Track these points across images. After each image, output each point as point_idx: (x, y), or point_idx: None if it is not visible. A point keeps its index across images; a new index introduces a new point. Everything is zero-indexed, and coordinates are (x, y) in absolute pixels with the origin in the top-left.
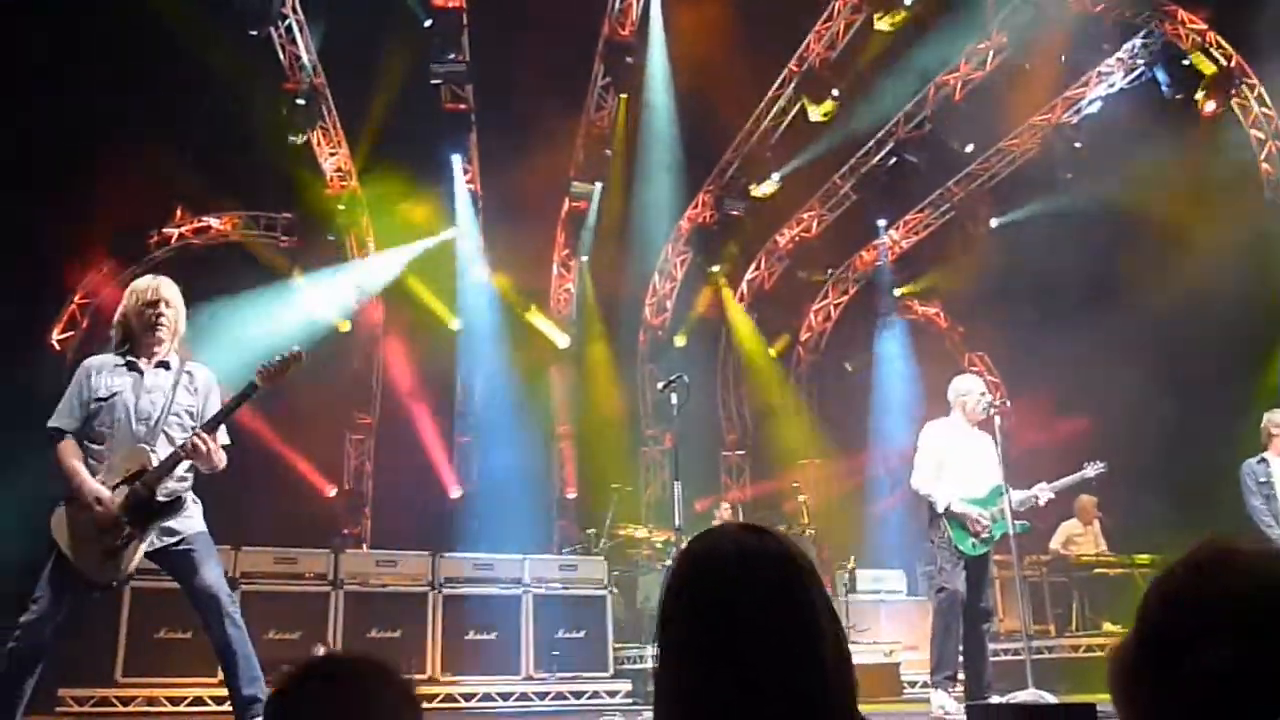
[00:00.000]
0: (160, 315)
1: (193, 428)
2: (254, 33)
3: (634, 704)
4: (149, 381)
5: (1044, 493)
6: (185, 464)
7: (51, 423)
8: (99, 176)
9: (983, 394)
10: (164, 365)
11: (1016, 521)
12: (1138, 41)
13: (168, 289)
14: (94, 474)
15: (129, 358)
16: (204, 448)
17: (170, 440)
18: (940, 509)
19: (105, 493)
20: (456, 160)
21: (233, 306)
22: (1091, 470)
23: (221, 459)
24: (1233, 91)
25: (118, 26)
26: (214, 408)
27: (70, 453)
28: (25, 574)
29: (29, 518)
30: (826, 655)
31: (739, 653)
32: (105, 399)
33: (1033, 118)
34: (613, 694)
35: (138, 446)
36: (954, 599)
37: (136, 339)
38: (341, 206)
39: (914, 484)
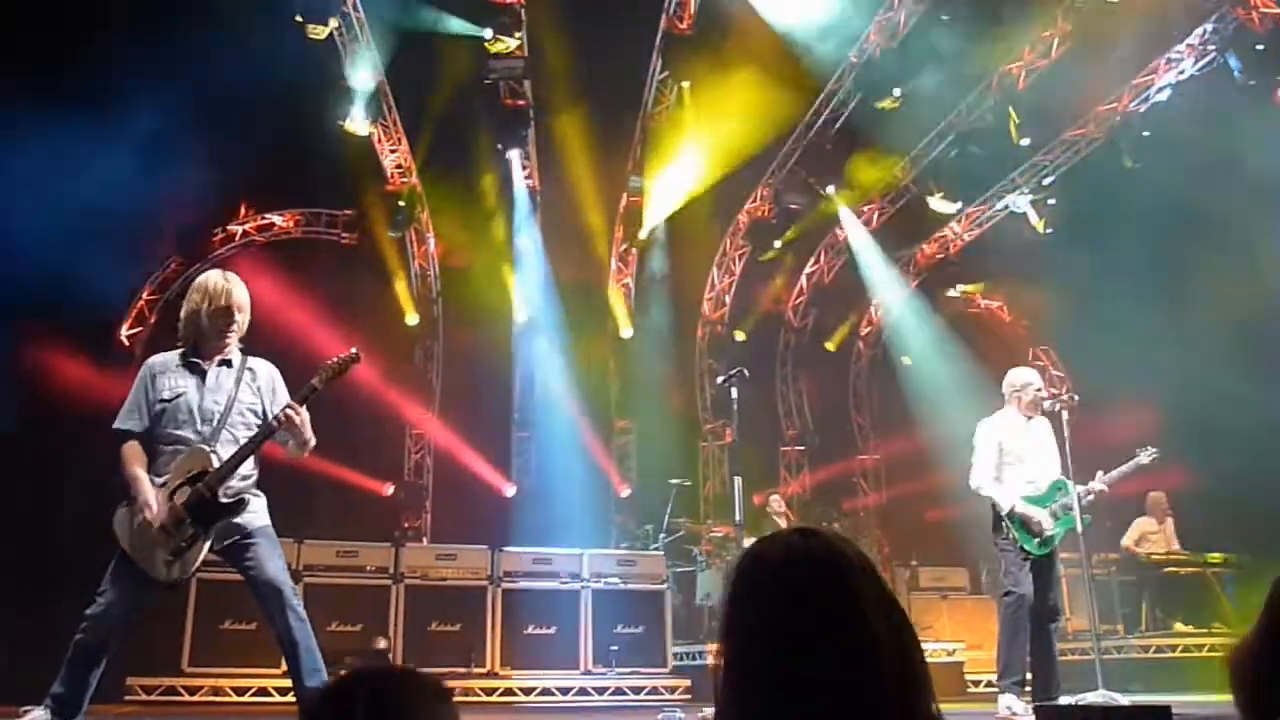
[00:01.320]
0: (232, 320)
1: (258, 425)
2: (316, 31)
3: (691, 700)
4: (211, 381)
5: (1098, 483)
6: (249, 463)
7: (117, 424)
8: (165, 174)
9: (1039, 387)
10: (226, 364)
11: (1053, 520)
12: (1209, 26)
13: (239, 291)
14: (158, 474)
15: (192, 358)
16: (297, 419)
17: (235, 439)
18: (1004, 511)
19: (155, 501)
20: (515, 156)
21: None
22: (1145, 457)
23: (311, 434)
24: None
25: (182, 25)
26: (281, 402)
27: (133, 457)
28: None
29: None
30: (881, 654)
31: (788, 659)
32: (169, 400)
33: (1099, 106)
34: (671, 689)
35: (199, 447)
36: (1022, 602)
37: (204, 339)
38: (402, 202)
39: (973, 484)
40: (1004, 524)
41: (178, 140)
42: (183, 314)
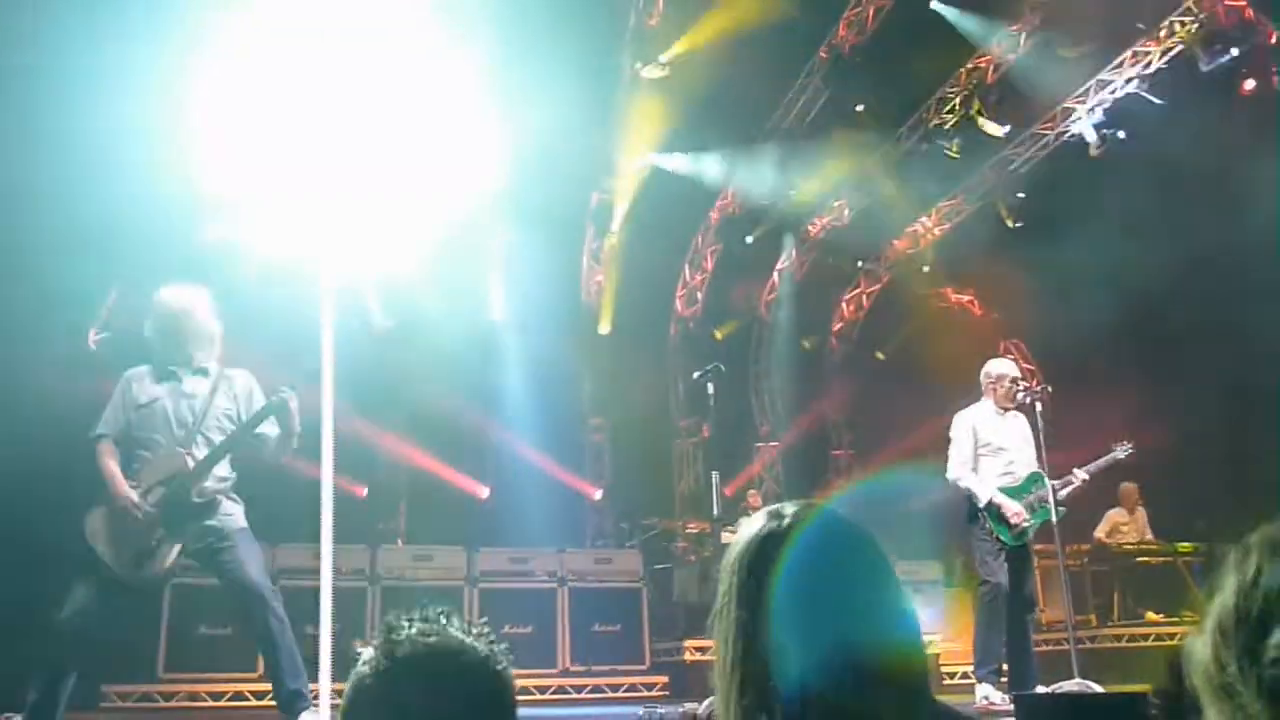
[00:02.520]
0: (182, 328)
1: (232, 431)
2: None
3: (670, 696)
4: (187, 388)
5: (1077, 476)
6: (224, 466)
7: (95, 430)
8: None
9: (1014, 378)
10: (202, 372)
11: (1027, 512)
12: (1175, 19)
13: (191, 299)
14: (134, 477)
15: (168, 366)
16: (293, 404)
17: (210, 443)
18: (981, 503)
19: (135, 496)
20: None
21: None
22: (1120, 451)
23: (298, 425)
24: (1274, 69)
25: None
26: (257, 404)
27: (108, 455)
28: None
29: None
30: (912, 631)
31: (833, 621)
32: (145, 404)
33: (1067, 100)
34: (649, 686)
35: (175, 451)
36: (998, 591)
37: (172, 351)
38: None
39: (950, 476)
40: (980, 515)
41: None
42: (146, 331)
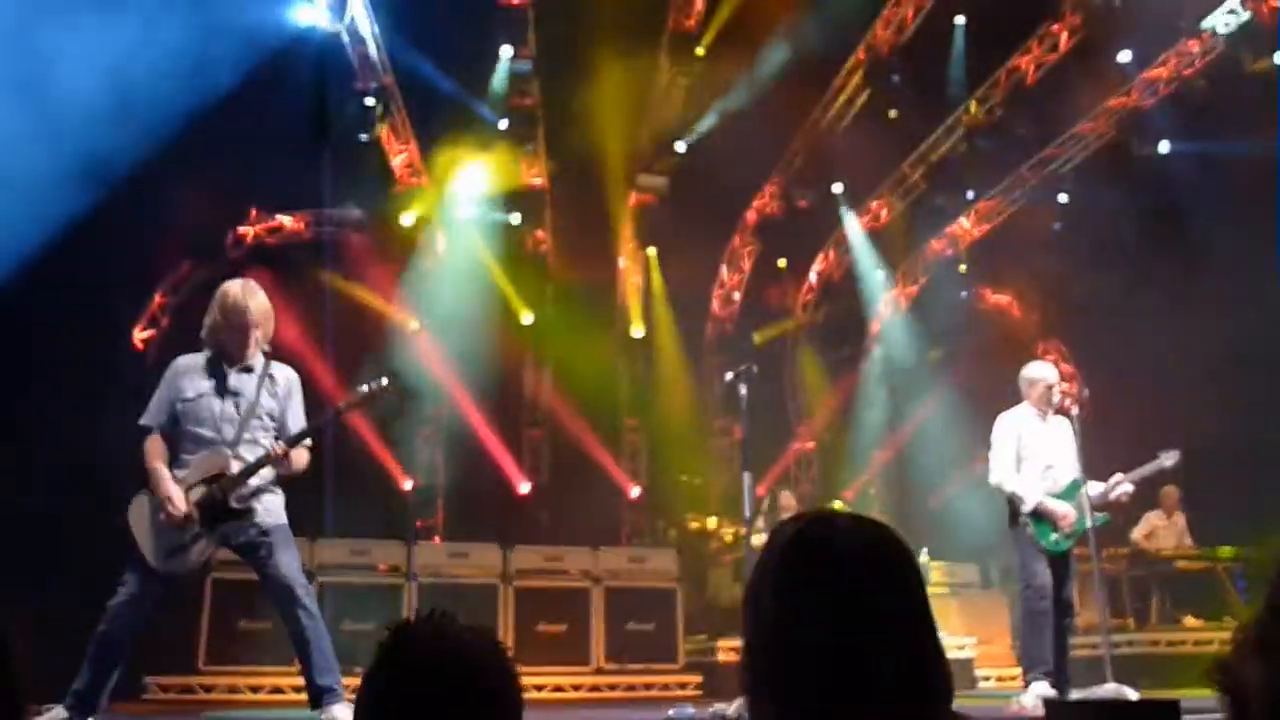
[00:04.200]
0: (248, 334)
1: (274, 430)
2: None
3: (703, 696)
4: (233, 385)
5: (1123, 484)
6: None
7: (141, 420)
8: (176, 177)
9: (1053, 383)
10: (248, 369)
11: (1097, 514)
12: (1218, 17)
13: (255, 295)
14: (177, 469)
15: (216, 362)
16: (282, 457)
17: (255, 442)
18: (1028, 508)
19: (178, 495)
20: (525, 154)
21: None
22: (1168, 460)
23: (302, 464)
24: None
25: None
26: (295, 409)
27: (155, 451)
28: (115, 562)
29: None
30: (938, 642)
31: (859, 648)
32: (191, 400)
33: (1109, 100)
34: (683, 685)
35: (220, 450)
36: (1044, 593)
37: (224, 344)
38: (411, 202)
39: (994, 480)
40: (1023, 520)
41: (187, 142)
42: (206, 323)
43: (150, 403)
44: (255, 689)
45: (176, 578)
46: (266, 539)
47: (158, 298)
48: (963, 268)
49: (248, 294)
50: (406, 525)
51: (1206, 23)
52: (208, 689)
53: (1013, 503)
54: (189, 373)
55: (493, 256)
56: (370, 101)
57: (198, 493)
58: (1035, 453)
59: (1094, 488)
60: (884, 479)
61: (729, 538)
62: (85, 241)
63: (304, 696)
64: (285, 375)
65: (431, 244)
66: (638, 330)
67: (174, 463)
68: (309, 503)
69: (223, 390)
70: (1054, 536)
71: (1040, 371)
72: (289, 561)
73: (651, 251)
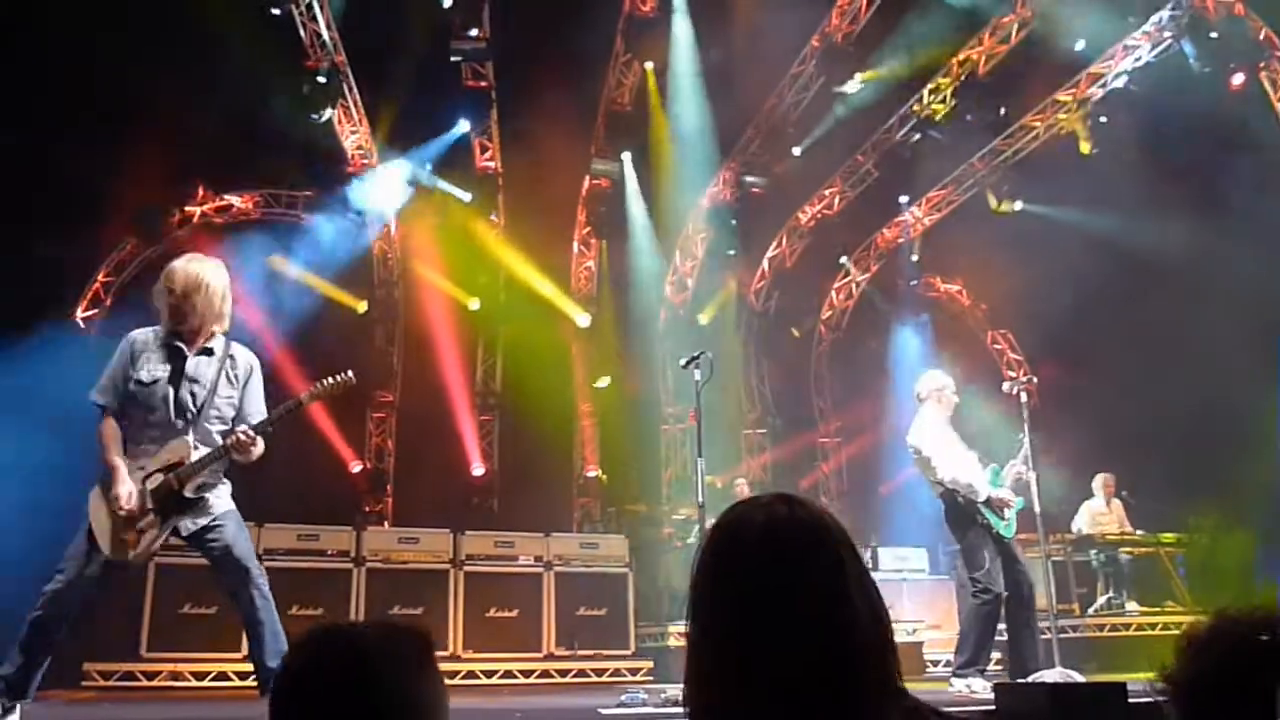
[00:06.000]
0: (192, 304)
1: (232, 418)
2: (276, 11)
3: (655, 681)
4: (191, 370)
5: (1016, 466)
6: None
7: (93, 397)
8: (121, 154)
9: (955, 389)
10: (207, 351)
11: (1017, 498)
12: (1165, 13)
13: (204, 273)
14: (134, 458)
15: (173, 341)
16: (248, 445)
17: (210, 431)
18: (981, 497)
19: (126, 492)
20: (475, 138)
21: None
22: (1023, 439)
23: (259, 452)
24: (1261, 64)
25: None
26: (254, 395)
27: (110, 437)
28: (53, 547)
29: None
30: (858, 625)
31: (768, 625)
32: (147, 384)
33: (1058, 93)
34: (634, 671)
35: (183, 439)
36: (998, 601)
37: (180, 324)
38: (362, 184)
39: (944, 477)
40: (979, 512)
41: (132, 118)
42: (161, 302)
43: (102, 377)
44: (199, 675)
45: (125, 566)
46: (217, 524)
47: (100, 276)
48: (915, 257)
49: (206, 271)
50: (355, 510)
51: (1154, 17)
52: (150, 676)
53: (955, 500)
54: (145, 350)
55: (443, 238)
56: (322, 81)
57: (155, 481)
58: (960, 449)
59: (1010, 473)
60: (833, 466)
61: (680, 523)
62: None
63: (249, 683)
64: (245, 359)
65: (384, 225)
66: (583, 319)
67: (126, 447)
68: (255, 486)
69: (179, 376)
70: (1004, 522)
71: (944, 379)
72: (242, 544)
73: (604, 237)
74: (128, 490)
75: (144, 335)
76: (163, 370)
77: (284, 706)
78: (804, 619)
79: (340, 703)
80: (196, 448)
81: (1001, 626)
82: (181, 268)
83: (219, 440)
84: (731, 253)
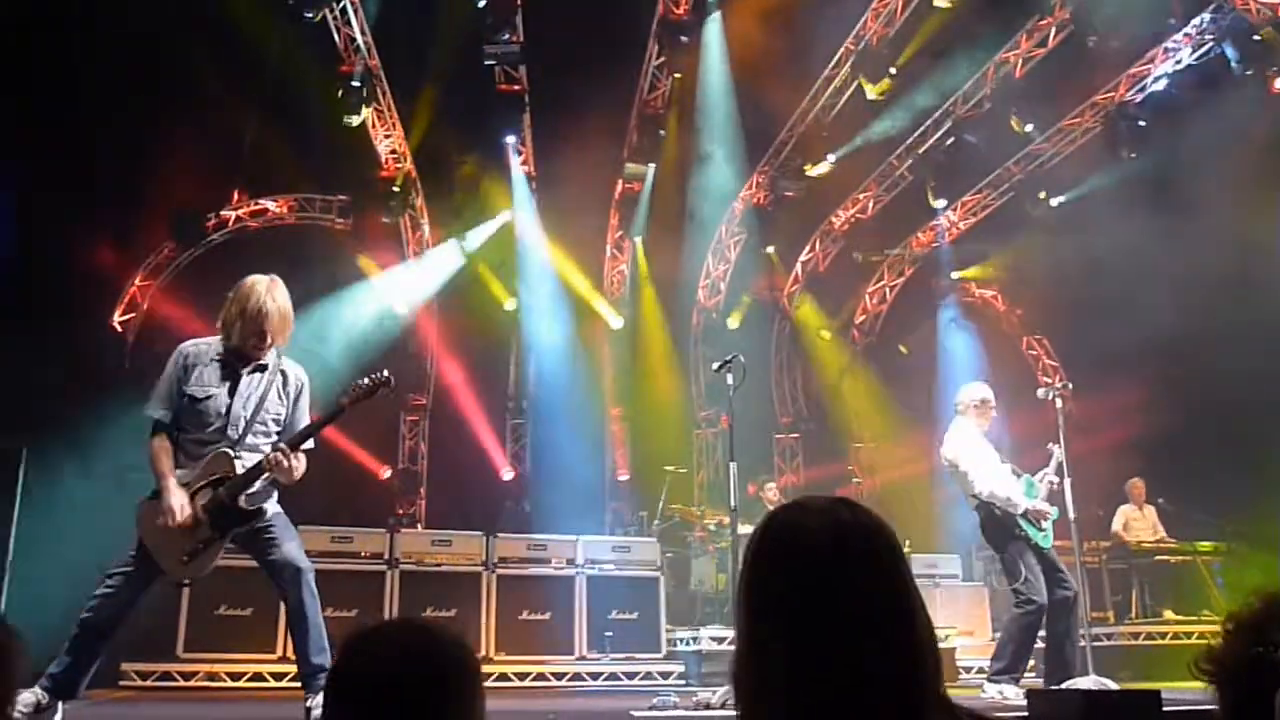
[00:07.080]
0: (264, 337)
1: (278, 433)
2: (309, 15)
3: (686, 685)
4: (244, 386)
5: (1049, 476)
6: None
7: (148, 411)
8: (158, 160)
9: (991, 401)
10: (261, 368)
11: (1053, 507)
12: (1206, 16)
13: (277, 296)
14: (181, 469)
15: (228, 356)
16: (285, 463)
17: (257, 446)
18: (1020, 510)
19: (178, 504)
20: (510, 142)
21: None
22: (1057, 450)
23: (300, 470)
24: None
25: (172, 10)
26: (302, 414)
27: (163, 455)
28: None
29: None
30: (920, 632)
31: (834, 631)
32: (200, 400)
33: (1095, 96)
34: (665, 675)
35: (224, 451)
36: (1041, 611)
37: (239, 340)
38: (396, 188)
39: (981, 490)
40: (1017, 525)
41: (170, 124)
42: (223, 315)
43: (157, 390)
44: (235, 676)
45: (191, 580)
46: (268, 524)
47: (138, 280)
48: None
49: (271, 295)
50: (388, 512)
51: (1194, 20)
52: (186, 676)
53: (992, 512)
54: (199, 364)
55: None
56: (356, 85)
57: (205, 495)
58: (995, 461)
59: (1043, 484)
60: (870, 471)
61: (712, 528)
62: None
63: (284, 684)
64: (296, 376)
65: (420, 232)
66: (616, 321)
67: (175, 459)
68: (290, 490)
69: (234, 392)
70: (1043, 534)
71: (983, 391)
72: (292, 545)
73: (637, 240)
74: (179, 503)
75: (196, 348)
76: (217, 385)
77: (342, 708)
78: (872, 618)
79: (400, 706)
80: (239, 457)
81: (1040, 634)
82: (248, 292)
83: (261, 456)
84: (771, 249)
